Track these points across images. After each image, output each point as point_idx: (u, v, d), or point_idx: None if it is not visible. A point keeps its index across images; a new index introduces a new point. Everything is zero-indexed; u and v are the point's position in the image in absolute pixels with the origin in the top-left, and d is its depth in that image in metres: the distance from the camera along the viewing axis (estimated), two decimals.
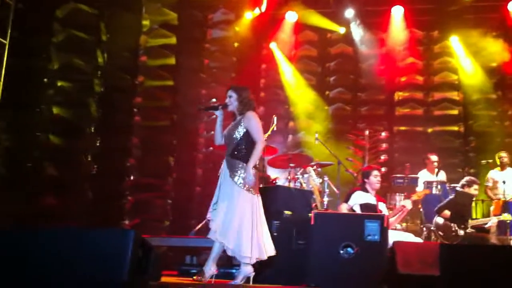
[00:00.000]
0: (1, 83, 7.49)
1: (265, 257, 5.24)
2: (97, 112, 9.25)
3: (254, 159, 5.20)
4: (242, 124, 5.28)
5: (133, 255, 3.94)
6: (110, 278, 3.86)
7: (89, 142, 9.09)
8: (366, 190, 7.05)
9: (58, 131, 8.77)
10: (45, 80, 8.83)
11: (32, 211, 8.24)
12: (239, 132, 5.27)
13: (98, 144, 9.46)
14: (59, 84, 8.83)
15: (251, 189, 5.21)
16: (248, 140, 5.26)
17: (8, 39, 7.67)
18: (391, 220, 6.72)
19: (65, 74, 8.89)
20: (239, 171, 5.18)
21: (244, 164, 5.18)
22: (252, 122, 5.28)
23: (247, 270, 5.22)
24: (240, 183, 5.15)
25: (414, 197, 7.15)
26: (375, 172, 7.10)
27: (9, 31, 7.70)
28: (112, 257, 3.94)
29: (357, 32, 12.54)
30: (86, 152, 9.05)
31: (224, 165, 5.32)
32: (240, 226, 5.08)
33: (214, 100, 5.50)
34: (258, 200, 5.30)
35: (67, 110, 8.87)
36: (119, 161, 10.30)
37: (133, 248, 3.95)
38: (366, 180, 7.09)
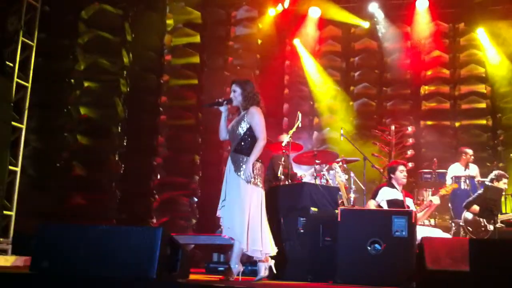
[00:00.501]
0: (29, 84, 7.60)
1: (272, 252, 5.25)
2: (123, 112, 9.33)
3: (255, 155, 5.16)
4: (245, 119, 5.25)
5: (161, 253, 3.98)
6: (139, 275, 3.90)
7: (116, 142, 9.19)
8: (392, 186, 6.99)
9: (86, 131, 8.88)
10: (72, 80, 8.95)
11: (60, 210, 8.38)
12: (243, 128, 5.24)
13: (125, 144, 9.55)
14: (85, 84, 8.95)
15: (258, 183, 5.20)
16: (252, 136, 5.23)
17: (35, 41, 7.77)
18: (419, 215, 6.66)
19: (91, 74, 9.00)
20: (243, 165, 5.15)
21: (248, 158, 5.16)
22: (255, 117, 5.23)
23: (265, 263, 5.23)
24: (244, 177, 5.13)
25: (443, 191, 7.05)
26: (401, 168, 7.02)
27: (36, 33, 7.81)
28: (141, 255, 3.98)
29: (381, 26, 12.43)
30: (114, 151, 9.15)
31: (229, 161, 5.30)
32: (250, 220, 5.11)
33: (221, 100, 5.44)
34: (263, 194, 5.30)
35: (94, 110, 8.98)
36: (145, 160, 10.42)
37: (161, 246, 3.99)
38: (392, 175, 7.02)
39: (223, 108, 5.41)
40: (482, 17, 11.69)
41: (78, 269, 4.07)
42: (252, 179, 5.14)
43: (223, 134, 5.46)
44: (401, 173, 6.96)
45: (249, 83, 5.42)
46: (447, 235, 7.26)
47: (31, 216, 7.81)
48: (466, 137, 11.60)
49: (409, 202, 6.94)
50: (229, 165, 5.26)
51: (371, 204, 6.88)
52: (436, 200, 6.85)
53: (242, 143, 5.23)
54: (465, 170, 9.27)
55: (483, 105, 11.89)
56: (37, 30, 7.82)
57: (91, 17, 9.16)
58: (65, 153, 8.69)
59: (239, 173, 5.15)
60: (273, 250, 5.29)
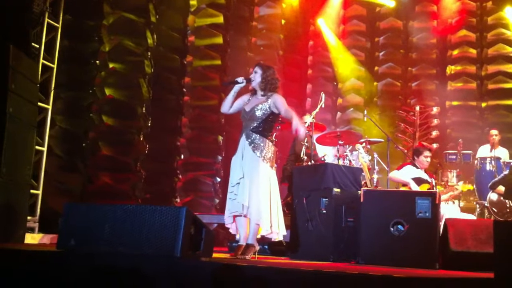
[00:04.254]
0: (55, 65, 7.68)
1: (280, 237, 5.32)
2: (148, 92, 9.39)
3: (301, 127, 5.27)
4: (267, 104, 5.32)
5: (185, 232, 4.03)
6: (164, 254, 3.96)
7: (141, 122, 9.26)
8: (416, 167, 7.04)
9: (111, 112, 8.95)
10: (97, 62, 9.01)
11: (87, 189, 8.50)
12: (264, 112, 5.31)
13: (149, 124, 9.62)
14: (110, 65, 8.98)
15: (273, 165, 5.33)
16: (269, 120, 5.34)
17: (60, 23, 7.83)
18: (443, 197, 6.65)
19: (116, 56, 9.03)
20: (262, 145, 5.25)
21: (265, 139, 5.27)
22: (279, 102, 5.32)
23: (256, 245, 5.29)
24: (262, 157, 5.21)
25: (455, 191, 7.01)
26: (427, 153, 7.07)
27: (61, 14, 7.86)
28: (165, 234, 4.04)
29: (407, 4, 12.27)
30: (139, 132, 9.22)
31: (243, 139, 5.35)
32: (272, 202, 5.20)
33: (240, 79, 5.49)
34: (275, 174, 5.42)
35: (119, 91, 9.03)
36: (169, 141, 10.50)
37: (185, 225, 4.05)
38: (416, 158, 7.07)
39: (238, 86, 5.47)
40: None
41: (103, 247, 4.15)
42: (269, 161, 5.23)
43: (227, 107, 5.52)
44: (425, 158, 7.02)
45: (271, 68, 5.52)
46: (472, 216, 7.22)
47: (58, 195, 7.94)
48: (493, 118, 11.46)
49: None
50: (245, 144, 5.31)
51: (397, 174, 6.89)
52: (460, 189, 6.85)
53: (261, 125, 5.31)
54: (491, 151, 9.17)
55: (510, 85, 11.71)
56: (62, 12, 7.87)
57: None
58: (91, 133, 8.78)
59: (257, 153, 5.22)
60: (284, 232, 5.38)
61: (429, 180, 6.89)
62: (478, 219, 7.51)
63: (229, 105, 5.52)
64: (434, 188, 6.88)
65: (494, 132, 9.31)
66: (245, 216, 5.21)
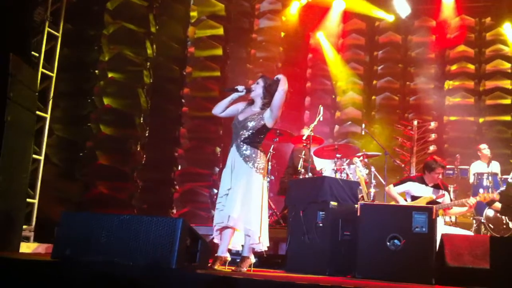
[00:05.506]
0: (54, 74, 7.69)
1: (265, 248, 5.25)
2: (146, 102, 9.40)
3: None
4: (262, 116, 5.23)
5: (181, 243, 4.02)
6: (159, 265, 3.95)
7: (138, 132, 9.26)
8: (422, 181, 6.83)
9: (109, 121, 8.95)
10: (97, 71, 9.03)
11: (83, 198, 8.48)
12: (256, 124, 5.21)
13: (147, 134, 9.63)
14: (110, 75, 9.00)
15: (266, 174, 5.33)
16: (260, 132, 5.24)
17: (61, 31, 7.86)
18: (453, 211, 6.58)
19: (115, 65, 9.05)
20: (254, 155, 5.16)
21: (256, 150, 5.19)
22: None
23: (252, 257, 5.25)
24: (254, 168, 5.14)
25: (481, 197, 6.81)
26: (439, 170, 6.78)
27: (62, 23, 7.88)
28: (161, 245, 4.03)
29: (407, 19, 12.33)
30: (136, 142, 9.22)
31: (233, 150, 5.26)
32: (263, 213, 5.16)
33: (241, 88, 5.43)
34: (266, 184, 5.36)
35: (117, 101, 9.04)
36: (167, 151, 10.49)
37: (181, 236, 4.04)
38: (427, 173, 6.83)
39: (237, 94, 5.39)
40: (509, 12, 11.52)
41: (99, 257, 4.13)
42: (262, 172, 5.18)
43: (219, 110, 5.45)
44: (436, 175, 6.79)
45: (275, 82, 5.33)
46: (468, 232, 7.19)
47: (54, 204, 7.93)
48: (490, 133, 11.48)
49: (446, 197, 6.80)
50: (235, 155, 5.22)
51: (391, 189, 6.78)
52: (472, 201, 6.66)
53: (252, 136, 5.21)
54: (488, 166, 9.19)
55: (508, 101, 11.75)
56: (63, 21, 7.90)
57: (116, 8, 9.20)
58: (89, 142, 8.78)
59: (249, 164, 5.14)
60: (267, 243, 5.32)
61: (436, 194, 6.75)
62: (474, 235, 7.48)
63: (222, 109, 5.44)
64: (449, 196, 6.79)
65: (482, 146, 9.35)
66: (228, 227, 5.17)
